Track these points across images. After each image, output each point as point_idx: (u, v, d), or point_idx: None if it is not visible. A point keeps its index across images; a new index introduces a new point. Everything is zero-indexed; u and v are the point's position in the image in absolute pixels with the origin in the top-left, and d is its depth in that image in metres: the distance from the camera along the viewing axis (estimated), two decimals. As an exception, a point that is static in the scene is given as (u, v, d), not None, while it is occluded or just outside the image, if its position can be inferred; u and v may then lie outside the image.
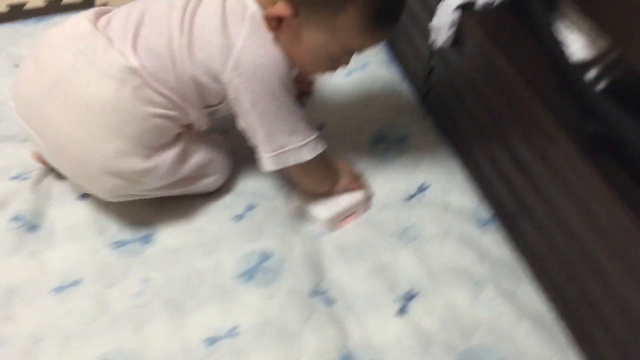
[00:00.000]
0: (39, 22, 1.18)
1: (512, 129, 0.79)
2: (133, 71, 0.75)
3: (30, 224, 0.86)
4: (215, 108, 0.83)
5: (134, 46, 0.77)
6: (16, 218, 0.87)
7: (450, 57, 0.92)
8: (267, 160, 0.80)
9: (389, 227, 0.87)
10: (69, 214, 0.88)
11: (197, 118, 0.83)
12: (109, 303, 0.79)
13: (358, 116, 1.02)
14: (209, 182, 0.89)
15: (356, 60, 1.09)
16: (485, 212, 0.90)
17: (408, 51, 1.08)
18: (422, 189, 0.93)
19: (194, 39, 0.76)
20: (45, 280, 0.81)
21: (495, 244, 0.86)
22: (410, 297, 0.80)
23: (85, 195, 0.90)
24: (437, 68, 0.97)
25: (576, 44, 0.67)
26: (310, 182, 0.87)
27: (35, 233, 0.86)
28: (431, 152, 0.97)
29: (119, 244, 0.85)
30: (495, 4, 0.85)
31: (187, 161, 0.84)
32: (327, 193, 0.88)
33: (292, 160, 0.80)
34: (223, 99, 0.81)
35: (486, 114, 0.85)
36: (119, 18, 0.79)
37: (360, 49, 0.78)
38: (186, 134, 0.84)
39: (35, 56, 0.79)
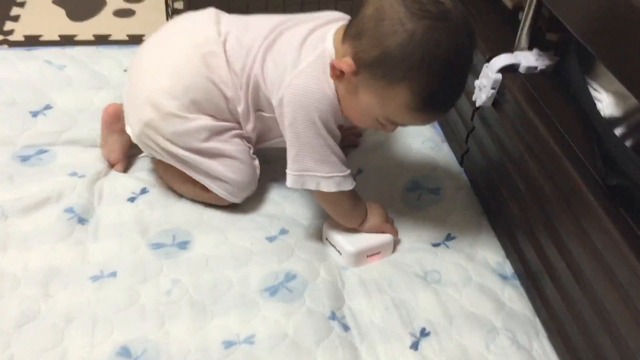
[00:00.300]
0: (120, 49, 1.31)
1: (543, 187, 0.82)
2: (218, 39, 0.89)
3: (80, 217, 0.93)
4: (265, 114, 0.91)
5: (228, 33, 0.90)
6: (69, 210, 0.94)
7: (490, 117, 0.97)
8: (289, 176, 0.85)
9: (412, 268, 0.90)
10: (116, 213, 0.95)
11: (244, 114, 0.91)
12: (139, 296, 0.83)
13: (396, 165, 1.07)
14: (228, 184, 0.93)
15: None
16: (508, 268, 0.92)
17: (452, 112, 1.13)
18: (448, 238, 0.96)
19: (274, 48, 0.86)
20: (85, 268, 0.86)
21: (514, 297, 0.87)
22: (424, 334, 0.82)
23: (132, 199, 0.97)
24: (477, 128, 1.02)
25: (607, 101, 0.71)
26: (334, 214, 0.91)
27: (84, 225, 0.92)
28: (462, 207, 1.01)
29: (157, 246, 0.90)
30: (538, 69, 0.91)
31: (217, 139, 0.91)
32: (355, 230, 0.92)
33: (310, 185, 0.84)
34: (272, 110, 0.88)
35: (518, 173, 0.89)
36: (233, 17, 0.95)
37: (403, 124, 0.84)
38: (235, 126, 0.92)
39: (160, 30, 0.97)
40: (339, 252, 0.92)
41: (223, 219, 0.96)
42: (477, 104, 0.96)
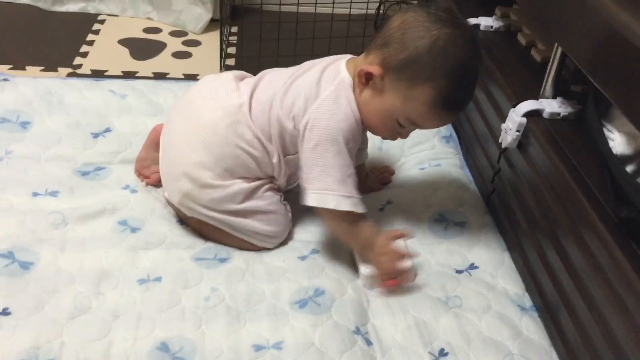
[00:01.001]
0: (177, 82, 1.43)
1: (559, 221, 0.87)
2: (238, 109, 0.95)
3: (133, 227, 1.02)
4: (292, 156, 0.98)
5: (250, 95, 0.97)
6: (123, 222, 1.03)
7: (515, 159, 1.04)
8: (311, 196, 0.92)
9: (435, 292, 0.96)
10: (165, 226, 1.04)
11: (277, 165, 0.98)
12: (180, 300, 0.91)
13: (424, 200, 1.14)
14: (265, 236, 1.00)
15: (431, 158, 1.24)
16: (527, 300, 0.97)
17: (480, 156, 1.20)
18: (472, 267, 1.01)
19: (291, 90, 0.95)
20: (133, 272, 0.94)
21: (531, 327, 0.91)
22: (443, 354, 0.86)
23: (181, 220, 1.06)
24: (503, 169, 1.09)
25: (619, 140, 0.78)
26: (336, 231, 0.98)
27: (136, 235, 1.01)
28: (486, 242, 1.06)
29: (200, 259, 0.98)
30: (561, 115, 0.98)
31: (251, 199, 0.98)
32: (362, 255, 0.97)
33: (330, 203, 0.91)
34: (297, 149, 0.96)
35: (539, 211, 0.95)
36: (250, 79, 1.02)
37: (422, 123, 0.93)
38: (266, 181, 1.00)
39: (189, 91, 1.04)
40: (358, 273, 0.98)
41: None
42: (503, 146, 1.02)
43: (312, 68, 0.97)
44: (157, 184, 1.11)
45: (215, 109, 0.97)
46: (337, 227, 0.97)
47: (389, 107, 0.91)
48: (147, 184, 1.12)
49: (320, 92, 0.93)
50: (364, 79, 0.90)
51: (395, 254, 0.93)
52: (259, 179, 0.99)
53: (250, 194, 0.98)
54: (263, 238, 1.01)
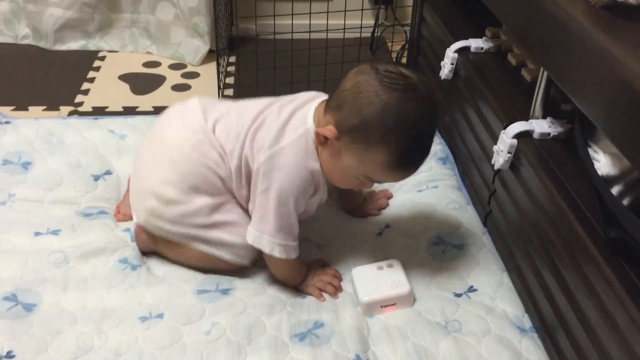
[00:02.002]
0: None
1: (553, 242, 0.88)
2: (203, 131, 0.99)
3: (134, 265, 1.04)
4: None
5: (216, 121, 1.01)
6: (123, 261, 1.04)
7: (508, 180, 1.04)
8: (250, 233, 0.97)
9: (434, 316, 0.96)
10: (166, 264, 1.05)
11: (238, 188, 1.00)
12: (181, 336, 0.92)
13: (422, 222, 1.14)
14: (235, 248, 1.01)
15: (429, 180, 1.25)
16: (527, 321, 0.97)
17: (476, 177, 1.21)
18: (470, 290, 1.01)
19: (261, 130, 0.97)
20: (135, 310, 0.96)
21: (532, 349, 0.92)
22: (443, 380, 0.87)
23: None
24: (498, 190, 1.10)
25: (604, 161, 0.79)
26: (275, 271, 1.02)
27: (136, 272, 1.03)
28: (484, 263, 1.06)
29: (201, 292, 1.00)
30: (551, 135, 0.99)
31: (218, 213, 1.00)
32: (376, 279, 0.99)
33: (265, 247, 0.96)
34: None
35: (533, 231, 0.95)
36: (219, 105, 1.05)
37: (381, 181, 0.96)
38: (231, 200, 1.02)
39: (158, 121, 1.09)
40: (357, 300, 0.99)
41: (262, 275, 1.05)
42: (495, 167, 1.03)
43: (282, 110, 0.98)
44: (125, 219, 1.14)
45: (180, 129, 1.01)
46: (272, 265, 1.01)
47: (347, 167, 0.93)
48: (118, 219, 1.15)
49: (282, 139, 0.95)
50: (322, 139, 0.93)
51: (325, 272, 1.02)
52: (224, 194, 1.01)
53: (215, 208, 1.00)
54: (233, 250, 1.01)
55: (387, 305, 0.97)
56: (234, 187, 1.01)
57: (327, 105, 0.94)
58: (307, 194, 0.97)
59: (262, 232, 0.95)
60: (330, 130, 0.90)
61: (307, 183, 0.95)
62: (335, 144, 0.92)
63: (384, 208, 1.21)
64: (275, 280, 1.03)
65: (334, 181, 0.99)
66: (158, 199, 1.00)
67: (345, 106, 0.89)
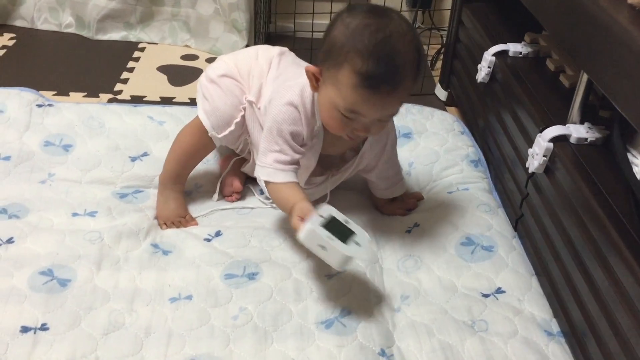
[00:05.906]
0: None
1: (587, 250, 0.87)
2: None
3: (165, 250, 1.06)
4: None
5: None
6: (155, 245, 1.07)
7: (542, 184, 1.04)
8: (258, 168, 1.04)
9: (462, 315, 0.96)
10: (195, 249, 1.07)
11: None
12: (209, 318, 0.93)
13: (451, 223, 1.14)
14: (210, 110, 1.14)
15: (459, 182, 1.25)
16: (555, 326, 0.96)
17: (508, 180, 1.21)
18: (498, 291, 1.01)
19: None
20: (165, 291, 0.98)
21: (558, 353, 0.91)
22: (468, 378, 0.87)
23: (208, 239, 1.10)
24: (531, 194, 1.09)
25: (641, 166, 0.78)
26: (270, 196, 1.06)
27: (167, 257, 1.05)
28: (513, 266, 1.06)
29: (229, 276, 1.01)
30: (588, 140, 0.98)
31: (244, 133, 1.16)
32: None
33: (261, 174, 1.02)
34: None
35: (564, 237, 0.95)
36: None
37: (358, 108, 0.92)
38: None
39: None
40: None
41: (288, 258, 1.06)
42: (530, 170, 1.03)
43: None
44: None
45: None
46: (268, 190, 1.05)
47: (329, 99, 0.95)
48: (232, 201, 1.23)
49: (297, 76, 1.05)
50: (314, 82, 0.97)
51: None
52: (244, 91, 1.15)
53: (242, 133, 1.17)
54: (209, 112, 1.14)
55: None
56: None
57: None
58: (295, 127, 1.00)
59: (258, 161, 1.04)
60: (312, 66, 0.97)
61: (287, 115, 1.00)
62: (321, 81, 0.96)
63: (412, 209, 1.21)
64: (300, 264, 1.04)
65: (325, 123, 1.00)
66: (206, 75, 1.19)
67: (322, 42, 0.96)
